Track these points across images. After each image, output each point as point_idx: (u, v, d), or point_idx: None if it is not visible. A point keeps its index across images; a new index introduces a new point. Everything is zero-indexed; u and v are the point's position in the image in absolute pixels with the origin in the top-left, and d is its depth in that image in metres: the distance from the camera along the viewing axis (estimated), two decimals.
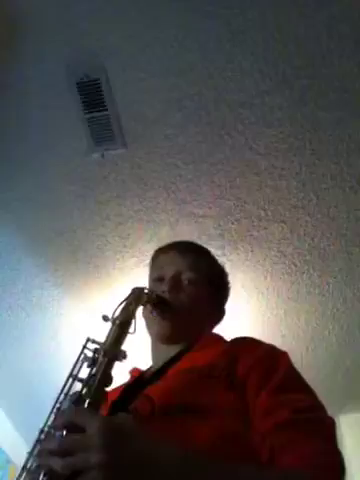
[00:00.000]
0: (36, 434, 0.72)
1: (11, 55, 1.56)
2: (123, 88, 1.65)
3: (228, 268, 2.22)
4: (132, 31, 1.52)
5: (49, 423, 0.71)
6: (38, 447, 0.69)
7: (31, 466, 0.69)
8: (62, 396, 0.75)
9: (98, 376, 0.75)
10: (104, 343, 0.80)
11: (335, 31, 1.51)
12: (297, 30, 1.51)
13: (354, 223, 2.00)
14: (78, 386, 0.75)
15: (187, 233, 2.05)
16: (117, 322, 0.83)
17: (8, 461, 2.71)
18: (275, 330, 2.39)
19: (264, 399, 0.76)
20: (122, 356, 0.79)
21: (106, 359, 0.77)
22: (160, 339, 0.99)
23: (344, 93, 1.65)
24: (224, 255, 2.11)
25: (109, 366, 0.77)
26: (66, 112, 1.70)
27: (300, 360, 2.47)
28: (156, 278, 1.05)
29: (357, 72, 1.60)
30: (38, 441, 0.71)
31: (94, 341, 0.80)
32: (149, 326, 1.01)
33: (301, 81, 1.62)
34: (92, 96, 1.65)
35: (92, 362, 0.77)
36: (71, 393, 0.74)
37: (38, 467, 0.65)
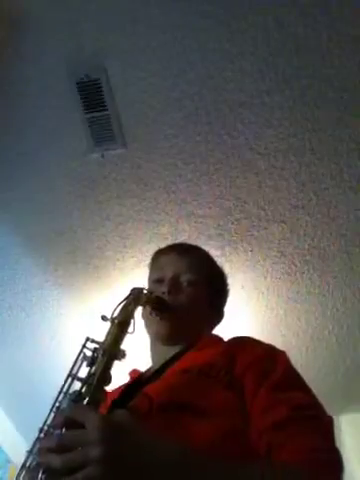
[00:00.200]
0: (36, 433, 0.73)
1: (11, 55, 1.56)
2: (123, 88, 1.65)
3: (228, 268, 2.22)
4: (132, 31, 1.52)
5: (49, 422, 0.72)
6: (37, 445, 0.70)
7: (30, 464, 0.70)
8: (61, 395, 0.76)
9: (97, 375, 0.75)
10: (103, 342, 0.81)
11: (335, 31, 1.51)
12: (297, 30, 1.51)
13: (354, 223, 2.00)
14: (78, 385, 0.75)
15: (187, 233, 2.05)
16: (116, 322, 0.84)
17: (8, 461, 2.71)
18: (275, 330, 2.39)
19: (262, 397, 0.76)
20: (121, 355, 0.80)
21: (105, 358, 0.78)
22: (159, 340, 1.00)
23: (344, 93, 1.65)
24: (224, 255, 2.11)
25: (108, 365, 0.78)
26: (66, 112, 1.70)
27: (300, 360, 2.47)
28: (156, 279, 1.06)
29: (357, 72, 1.60)
30: (38, 440, 0.71)
31: (93, 341, 0.80)
32: (148, 327, 1.02)
33: (301, 81, 1.62)
34: (92, 96, 1.65)
35: (91, 361, 0.78)
36: (70, 392, 0.75)
37: (37, 465, 0.66)
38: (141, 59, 1.58)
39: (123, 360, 0.80)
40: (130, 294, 0.91)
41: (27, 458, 0.71)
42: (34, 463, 0.69)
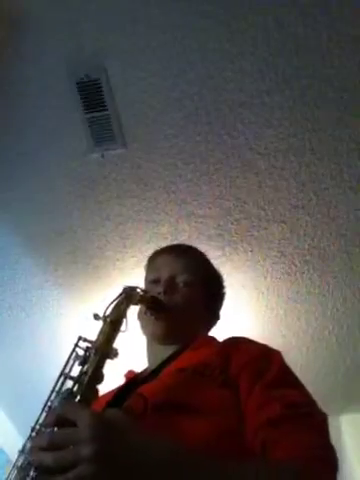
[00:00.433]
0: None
1: (11, 55, 1.56)
2: (123, 88, 1.65)
3: (228, 268, 2.23)
4: (132, 31, 1.52)
5: (40, 421, 0.72)
6: (29, 444, 0.69)
7: (22, 463, 0.69)
8: (53, 394, 0.76)
9: (89, 373, 0.75)
10: (95, 341, 0.80)
11: (335, 31, 1.51)
12: (297, 30, 1.51)
13: (354, 223, 2.00)
14: (70, 385, 0.75)
15: (187, 233, 2.05)
16: (108, 320, 0.83)
17: (8, 461, 2.71)
18: (275, 330, 2.39)
19: (257, 395, 0.77)
20: (113, 354, 0.80)
21: (97, 357, 0.77)
22: (155, 339, 1.00)
23: (344, 93, 1.65)
24: (224, 255, 2.11)
25: (100, 364, 0.78)
26: (66, 112, 1.70)
27: (300, 360, 2.47)
28: (152, 280, 1.06)
29: (357, 72, 1.60)
30: (29, 438, 0.71)
31: (86, 340, 0.80)
32: (144, 327, 1.02)
33: (301, 81, 1.62)
34: (92, 96, 1.65)
35: (83, 360, 0.77)
36: (62, 391, 0.75)
37: (29, 464, 0.65)
38: (141, 59, 1.58)
39: (115, 359, 0.79)
40: (122, 292, 0.90)
41: (18, 457, 0.70)
42: (26, 462, 0.68)
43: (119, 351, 0.80)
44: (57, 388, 0.76)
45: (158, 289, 1.01)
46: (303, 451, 0.68)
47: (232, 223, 2.02)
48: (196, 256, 1.14)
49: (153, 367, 0.96)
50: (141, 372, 1.03)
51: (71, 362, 0.79)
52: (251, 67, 1.59)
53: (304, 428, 0.71)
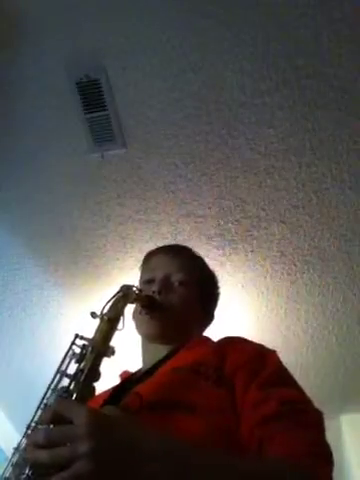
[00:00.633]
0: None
1: (11, 55, 1.56)
2: (123, 88, 1.65)
3: (228, 268, 2.23)
4: (132, 31, 1.52)
5: (36, 418, 0.71)
6: (24, 442, 0.69)
7: (17, 461, 0.68)
8: (49, 392, 0.75)
9: (86, 371, 0.75)
10: (92, 339, 0.80)
11: (335, 31, 1.51)
12: (297, 30, 1.51)
13: (354, 223, 2.00)
14: (66, 382, 0.75)
15: (187, 233, 2.05)
16: (105, 318, 0.83)
17: (6, 460, 2.71)
18: (275, 330, 2.39)
19: (253, 393, 0.77)
20: (110, 352, 0.79)
21: (94, 355, 0.77)
22: (150, 339, 1.00)
23: (344, 93, 1.65)
24: (224, 255, 2.11)
25: (97, 362, 0.77)
26: (66, 112, 1.70)
27: (300, 360, 2.47)
28: (147, 280, 1.06)
29: (357, 72, 1.60)
30: (25, 436, 0.71)
31: (83, 337, 0.80)
32: (139, 326, 1.02)
33: (301, 81, 1.62)
34: (92, 96, 1.65)
35: (80, 358, 0.77)
36: (58, 388, 0.74)
37: (24, 461, 0.65)
38: (141, 59, 1.58)
39: (112, 357, 0.79)
40: (119, 291, 0.90)
41: (14, 454, 0.70)
42: (21, 459, 0.67)
43: (115, 349, 0.80)
44: (53, 386, 0.76)
45: (153, 288, 1.00)
46: (299, 447, 0.68)
47: (232, 223, 2.02)
48: (191, 256, 1.14)
49: (148, 367, 0.96)
50: (136, 372, 1.03)
51: (68, 360, 0.79)
52: (251, 67, 1.59)
53: (300, 425, 0.72)
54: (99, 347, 0.79)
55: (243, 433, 0.74)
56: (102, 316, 0.84)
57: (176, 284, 1.02)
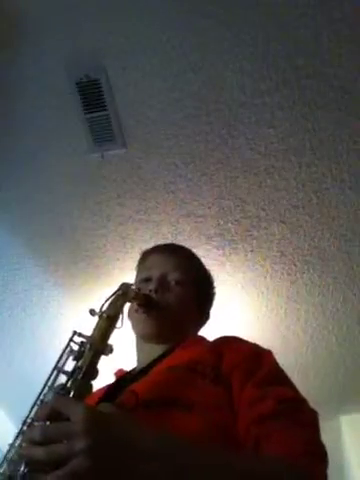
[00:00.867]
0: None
1: (11, 55, 1.56)
2: (123, 88, 1.65)
3: (228, 268, 2.23)
4: (132, 31, 1.52)
5: (32, 415, 0.70)
6: (20, 438, 0.69)
7: (12, 457, 0.67)
8: (46, 389, 0.75)
9: (84, 369, 0.74)
10: (91, 337, 0.80)
11: (335, 31, 1.51)
12: (297, 30, 1.51)
13: (354, 223, 2.00)
14: (63, 379, 0.74)
15: (187, 233, 2.05)
16: (104, 316, 0.83)
17: None
18: (275, 330, 2.39)
19: (249, 391, 0.77)
20: (108, 350, 0.79)
21: (92, 352, 0.77)
22: (145, 337, 0.99)
23: (344, 93, 1.65)
24: (224, 255, 2.11)
25: (95, 359, 0.77)
26: (66, 112, 1.70)
27: (300, 360, 2.47)
28: (143, 279, 1.06)
29: (357, 72, 1.60)
30: (20, 432, 0.70)
31: (81, 334, 0.80)
32: (134, 325, 1.01)
33: (301, 81, 1.62)
34: (92, 96, 1.65)
35: (78, 355, 0.77)
36: (56, 385, 0.74)
37: (20, 458, 0.64)
38: (141, 59, 1.58)
39: (110, 355, 0.79)
40: (119, 289, 0.90)
41: (8, 451, 0.69)
42: (16, 456, 0.66)
43: (114, 347, 0.80)
44: (50, 383, 0.76)
45: (149, 287, 1.00)
46: (296, 446, 0.68)
47: (232, 223, 2.02)
48: (187, 255, 1.14)
49: (143, 366, 0.96)
50: (130, 370, 1.02)
51: (65, 357, 0.78)
52: (251, 67, 1.59)
53: (296, 424, 0.72)
54: (97, 345, 0.78)
55: (240, 431, 0.74)
56: (101, 314, 0.83)
57: (172, 283, 1.02)
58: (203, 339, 1.01)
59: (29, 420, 0.70)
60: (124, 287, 0.91)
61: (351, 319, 2.34)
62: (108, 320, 0.83)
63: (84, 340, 0.79)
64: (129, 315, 1.02)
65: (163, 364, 0.89)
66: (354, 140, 1.77)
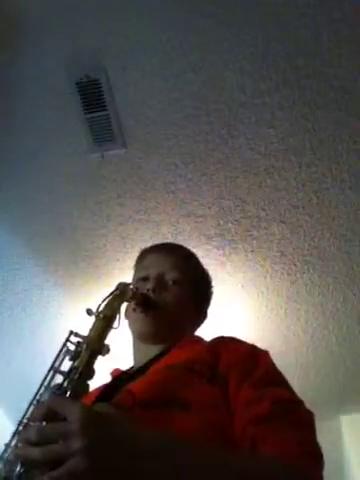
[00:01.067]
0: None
1: (11, 55, 1.56)
2: (123, 88, 1.65)
3: (228, 268, 2.23)
4: (132, 31, 1.52)
5: (28, 415, 0.70)
6: (16, 438, 0.68)
7: (8, 458, 0.67)
8: (42, 389, 0.75)
9: (80, 369, 0.74)
10: (87, 337, 0.80)
11: (335, 31, 1.51)
12: (297, 30, 1.51)
13: (354, 223, 2.00)
14: (60, 379, 0.74)
15: (187, 233, 2.05)
16: (101, 316, 0.83)
17: None
18: (275, 330, 2.38)
19: (245, 392, 0.77)
20: (105, 350, 0.79)
21: (89, 352, 0.77)
22: (142, 337, 0.99)
23: (344, 93, 1.65)
24: (224, 255, 2.11)
25: (92, 359, 0.77)
26: (66, 112, 1.70)
27: (300, 360, 2.47)
28: (141, 278, 1.06)
29: (357, 72, 1.60)
30: (16, 433, 0.70)
31: (77, 334, 0.79)
32: (132, 324, 1.01)
33: (301, 81, 1.62)
34: (92, 96, 1.65)
35: (74, 355, 0.77)
36: (52, 385, 0.74)
37: (16, 458, 0.64)
38: (141, 59, 1.58)
39: (106, 355, 0.79)
40: (116, 288, 0.90)
41: (4, 451, 0.68)
42: (12, 456, 0.66)
43: (110, 348, 0.80)
44: (46, 383, 0.75)
45: (147, 286, 1.00)
46: (292, 447, 0.68)
47: (232, 223, 2.02)
48: (184, 255, 1.14)
49: (139, 365, 0.96)
50: (127, 370, 1.02)
51: (62, 357, 0.78)
52: (251, 67, 1.59)
53: (292, 425, 0.72)
54: (94, 345, 0.78)
55: (236, 431, 0.74)
56: (98, 314, 0.83)
57: (170, 283, 1.02)
58: (200, 339, 1.01)
59: (25, 420, 0.70)
60: (121, 287, 0.91)
61: (351, 319, 2.34)
62: (105, 320, 0.83)
63: (81, 340, 0.78)
64: (126, 314, 1.02)
65: (160, 363, 0.89)
66: (354, 140, 1.77)
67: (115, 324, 0.85)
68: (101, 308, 0.85)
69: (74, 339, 0.79)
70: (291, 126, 1.74)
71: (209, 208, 1.98)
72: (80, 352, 0.77)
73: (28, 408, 0.72)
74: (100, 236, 2.08)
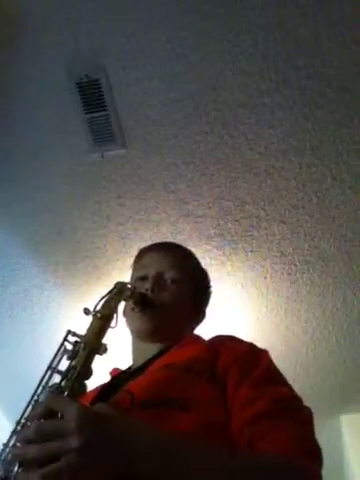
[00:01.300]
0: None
1: (11, 55, 1.56)
2: (123, 88, 1.65)
3: (228, 268, 2.23)
4: (132, 31, 1.52)
5: (26, 415, 0.70)
6: (14, 438, 0.68)
7: (6, 457, 0.67)
8: (40, 388, 0.75)
9: (78, 368, 0.74)
10: (85, 336, 0.80)
11: (335, 31, 1.51)
12: (297, 30, 1.51)
13: (354, 223, 2.00)
14: (57, 379, 0.74)
15: (187, 233, 2.05)
16: (98, 315, 0.83)
17: None
18: (275, 330, 2.39)
19: (244, 391, 0.77)
20: (103, 350, 0.79)
21: (86, 352, 0.77)
22: (141, 336, 0.99)
23: (344, 93, 1.65)
24: (224, 255, 2.11)
25: (89, 359, 0.77)
26: (66, 112, 1.70)
27: (300, 360, 2.47)
28: (140, 277, 1.06)
29: (357, 72, 1.60)
30: (14, 432, 0.70)
31: (75, 334, 0.79)
32: (130, 323, 1.01)
33: (301, 81, 1.62)
34: (92, 96, 1.64)
35: (72, 355, 0.77)
36: (50, 385, 0.74)
37: (13, 458, 0.64)
38: (141, 59, 1.58)
39: (104, 355, 0.79)
40: (114, 288, 0.90)
41: (2, 451, 0.68)
42: (10, 456, 0.66)
43: (108, 347, 0.80)
44: (44, 382, 0.75)
45: (145, 286, 1.00)
46: (290, 445, 0.68)
47: (232, 223, 2.02)
48: (183, 254, 1.14)
49: (138, 365, 0.96)
50: (126, 369, 1.02)
51: (59, 356, 0.78)
52: (251, 67, 1.59)
53: (291, 422, 0.72)
54: (92, 344, 0.78)
55: (234, 430, 0.74)
56: (95, 313, 0.83)
57: (169, 282, 1.02)
58: (199, 338, 1.01)
59: (23, 420, 0.70)
60: (119, 286, 0.91)
61: (351, 319, 2.34)
62: (102, 319, 0.83)
63: (78, 339, 0.78)
64: (125, 314, 1.02)
65: (159, 363, 0.89)
66: (354, 140, 1.77)
67: (113, 323, 0.85)
68: (98, 307, 0.85)
69: (72, 338, 0.79)
70: (291, 126, 1.74)
71: (209, 208, 1.98)
72: (78, 351, 0.77)
73: (26, 408, 0.72)
74: (100, 236, 2.08)
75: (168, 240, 2.02)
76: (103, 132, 1.74)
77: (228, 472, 0.62)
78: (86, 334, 0.80)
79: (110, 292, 0.89)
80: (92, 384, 0.85)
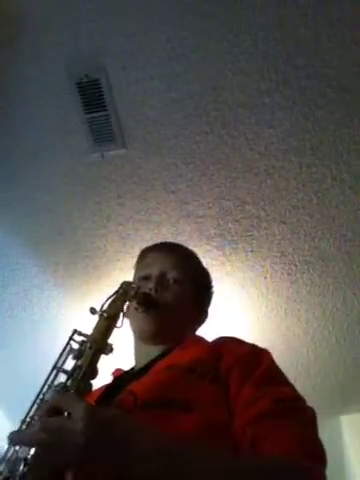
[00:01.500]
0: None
1: (11, 55, 1.56)
2: (123, 88, 1.65)
3: (228, 268, 2.23)
4: (132, 31, 1.52)
5: (31, 414, 0.70)
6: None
7: (11, 457, 0.67)
8: (46, 387, 0.75)
9: (84, 368, 0.74)
10: (91, 336, 0.80)
11: (335, 31, 1.51)
12: (297, 30, 1.51)
13: (354, 223, 2.00)
14: (63, 378, 0.74)
15: (187, 233, 2.05)
16: (104, 315, 0.83)
17: None
18: (275, 330, 2.39)
19: (247, 391, 0.77)
20: (108, 350, 0.79)
21: (92, 351, 0.77)
22: (144, 336, 0.99)
23: (344, 93, 1.65)
24: (224, 255, 2.11)
25: (95, 358, 0.77)
26: (66, 112, 1.70)
27: (300, 360, 2.47)
28: (142, 277, 1.06)
29: (357, 72, 1.60)
30: (19, 431, 0.69)
31: (81, 333, 0.80)
32: (133, 324, 1.01)
33: (301, 81, 1.62)
34: (92, 96, 1.65)
35: (78, 354, 0.77)
36: (56, 384, 0.74)
37: (18, 457, 0.64)
38: (141, 59, 1.58)
39: (110, 354, 0.79)
40: (120, 288, 0.90)
41: (8, 450, 0.68)
42: (14, 456, 0.66)
43: (113, 346, 0.80)
44: (49, 381, 0.76)
45: (148, 286, 1.00)
46: (294, 446, 0.68)
47: (232, 223, 2.02)
48: (185, 254, 1.14)
49: (141, 366, 0.96)
50: (129, 370, 1.02)
51: (65, 355, 0.78)
52: (251, 67, 1.59)
53: (294, 423, 0.72)
54: (98, 344, 0.78)
55: (236, 431, 0.74)
56: (101, 313, 0.83)
57: (171, 281, 1.02)
58: (202, 339, 1.01)
59: (28, 419, 0.70)
60: (125, 286, 0.91)
61: (351, 319, 2.34)
62: (108, 319, 0.83)
63: (84, 339, 0.79)
64: (128, 314, 1.02)
65: (162, 364, 0.89)
66: (354, 140, 1.77)
67: (118, 323, 0.85)
68: (105, 307, 0.85)
69: (78, 338, 0.79)
70: (291, 126, 1.74)
71: (209, 208, 1.98)
72: (84, 351, 0.77)
73: (32, 407, 0.72)
74: (100, 236, 2.08)
75: (168, 240, 2.03)
76: (103, 132, 1.74)
77: (230, 474, 0.62)
78: (92, 333, 0.80)
79: (116, 292, 0.89)
80: (96, 384, 0.85)
